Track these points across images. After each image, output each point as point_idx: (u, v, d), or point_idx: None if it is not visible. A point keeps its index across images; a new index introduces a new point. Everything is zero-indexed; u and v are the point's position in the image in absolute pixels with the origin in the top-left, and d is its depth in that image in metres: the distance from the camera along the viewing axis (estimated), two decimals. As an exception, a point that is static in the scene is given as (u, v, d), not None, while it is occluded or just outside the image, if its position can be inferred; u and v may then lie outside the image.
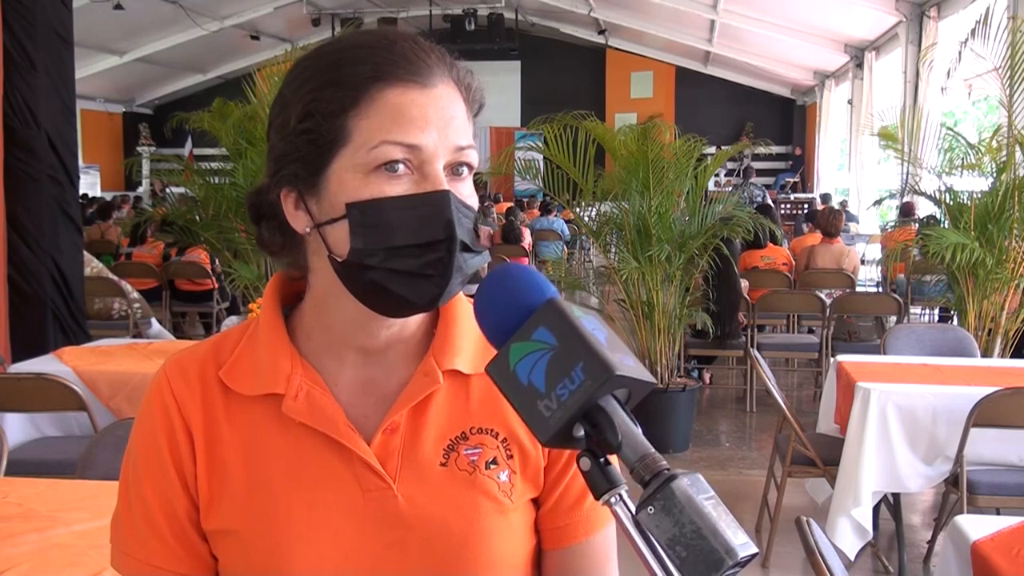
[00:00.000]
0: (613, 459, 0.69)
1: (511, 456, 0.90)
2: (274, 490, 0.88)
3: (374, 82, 0.82)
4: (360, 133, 0.81)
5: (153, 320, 6.81)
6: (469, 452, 0.89)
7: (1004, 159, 5.15)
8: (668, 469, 0.65)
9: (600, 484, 0.68)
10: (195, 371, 0.92)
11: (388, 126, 0.81)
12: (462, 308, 0.92)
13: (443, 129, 0.82)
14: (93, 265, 6.44)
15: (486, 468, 0.89)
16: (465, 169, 0.85)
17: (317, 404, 0.88)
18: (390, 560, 0.87)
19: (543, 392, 0.68)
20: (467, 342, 0.91)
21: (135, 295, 6.47)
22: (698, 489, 0.63)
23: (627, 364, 0.68)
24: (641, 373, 0.69)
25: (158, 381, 0.92)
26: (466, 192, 0.85)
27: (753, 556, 0.62)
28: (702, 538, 0.61)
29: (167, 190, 8.77)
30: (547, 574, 0.94)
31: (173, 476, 0.90)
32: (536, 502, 0.93)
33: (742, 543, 0.61)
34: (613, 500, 0.67)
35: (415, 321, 0.91)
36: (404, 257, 0.81)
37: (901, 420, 3.40)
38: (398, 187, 0.81)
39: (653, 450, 0.67)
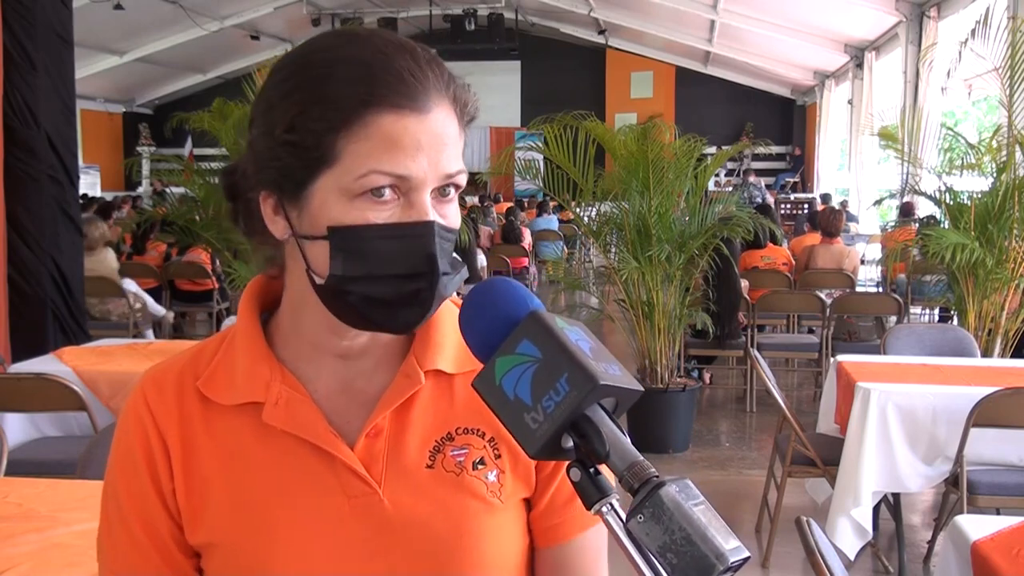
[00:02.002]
0: (605, 468, 0.69)
1: (499, 456, 0.89)
2: (258, 500, 0.86)
3: (367, 107, 0.78)
4: (348, 157, 0.78)
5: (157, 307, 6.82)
6: (455, 453, 0.88)
7: (1004, 159, 5.15)
8: (656, 476, 0.65)
9: (591, 494, 0.68)
10: (172, 384, 0.91)
11: (379, 155, 0.78)
12: (444, 308, 0.89)
13: (435, 156, 0.80)
14: (101, 269, 6.44)
15: (473, 468, 0.88)
16: (452, 190, 0.83)
17: (297, 410, 0.86)
18: (378, 565, 0.85)
19: (529, 405, 0.68)
20: (449, 342, 0.89)
21: (138, 304, 6.47)
22: (687, 495, 0.63)
23: (612, 373, 0.68)
24: (627, 381, 0.69)
25: (134, 396, 0.92)
26: (451, 214, 0.83)
27: (745, 560, 0.62)
28: (692, 544, 0.61)
29: (167, 190, 8.78)
30: (540, 572, 0.93)
31: (152, 494, 0.89)
32: (528, 502, 0.92)
33: (733, 548, 0.61)
34: (604, 509, 0.67)
35: None
36: (384, 285, 0.80)
37: (901, 420, 3.40)
38: (383, 213, 0.79)
39: (641, 458, 0.66)
